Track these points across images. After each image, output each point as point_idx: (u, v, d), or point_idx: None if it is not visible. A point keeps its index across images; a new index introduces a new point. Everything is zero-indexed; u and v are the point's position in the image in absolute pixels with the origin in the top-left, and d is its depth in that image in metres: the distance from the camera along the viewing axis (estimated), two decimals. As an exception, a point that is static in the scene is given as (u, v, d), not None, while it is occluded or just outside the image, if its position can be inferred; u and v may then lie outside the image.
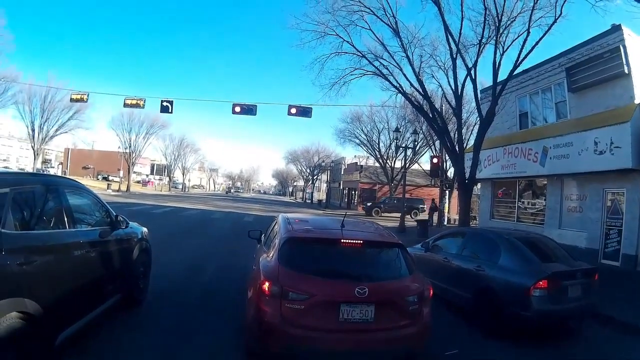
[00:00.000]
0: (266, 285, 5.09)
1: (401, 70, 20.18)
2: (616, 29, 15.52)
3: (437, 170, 28.17)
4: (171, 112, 27.03)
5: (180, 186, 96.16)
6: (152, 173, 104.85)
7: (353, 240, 5.69)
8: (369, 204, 47.91)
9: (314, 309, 4.98)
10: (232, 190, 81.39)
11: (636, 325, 8.43)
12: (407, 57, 19.50)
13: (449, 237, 10.82)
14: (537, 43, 16.70)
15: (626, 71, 14.93)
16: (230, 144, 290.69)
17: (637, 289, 11.66)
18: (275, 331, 4.93)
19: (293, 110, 25.48)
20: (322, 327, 4.95)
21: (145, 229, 8.24)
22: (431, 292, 5.70)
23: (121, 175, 64.79)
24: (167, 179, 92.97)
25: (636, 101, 14.61)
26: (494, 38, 17.52)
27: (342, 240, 5.63)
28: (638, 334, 8.23)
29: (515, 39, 17.38)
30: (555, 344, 7.62)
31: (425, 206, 42.99)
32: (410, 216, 41.21)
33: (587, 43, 16.74)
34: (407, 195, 36.03)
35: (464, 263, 9.03)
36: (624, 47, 14.95)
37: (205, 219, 26.61)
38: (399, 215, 32.88)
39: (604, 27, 16.22)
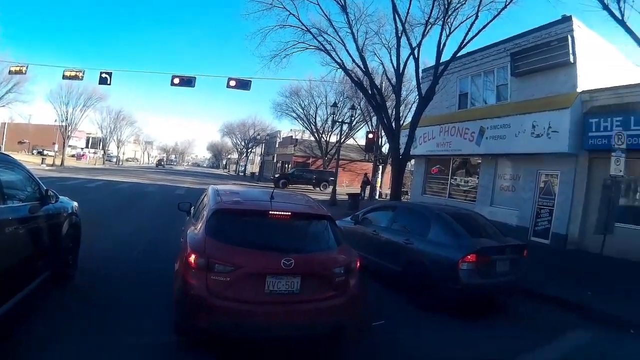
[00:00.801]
0: (192, 258, 4.91)
1: (344, 46, 19.82)
2: (567, 19, 15.80)
3: (372, 145, 28.26)
4: (109, 84, 26.00)
5: (115, 159, 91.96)
6: (87, 146, 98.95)
7: (281, 212, 5.54)
8: (276, 176, 46.83)
9: (240, 281, 4.82)
10: (162, 163, 75.93)
11: (560, 298, 8.77)
12: (352, 33, 19.12)
13: (379, 210, 10.78)
14: (484, 27, 16.66)
15: (572, 60, 15.27)
16: (168, 117, 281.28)
17: (564, 265, 12.01)
18: (202, 304, 4.73)
19: (232, 83, 24.72)
20: (248, 300, 4.82)
21: (75, 204, 7.78)
22: (359, 264, 5.62)
23: (56, 149, 60.93)
24: (102, 152, 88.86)
25: (578, 90, 14.99)
26: (442, 19, 17.32)
27: (271, 212, 5.48)
28: (563, 306, 8.54)
29: (464, 22, 17.28)
30: (484, 316, 7.75)
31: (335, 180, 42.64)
32: (320, 188, 41.00)
33: (535, 30, 16.98)
34: (334, 169, 35.79)
35: (394, 236, 8.97)
36: (572, 37, 15.26)
37: (137, 192, 25.96)
38: (309, 187, 33.07)
39: (553, 17, 16.61)
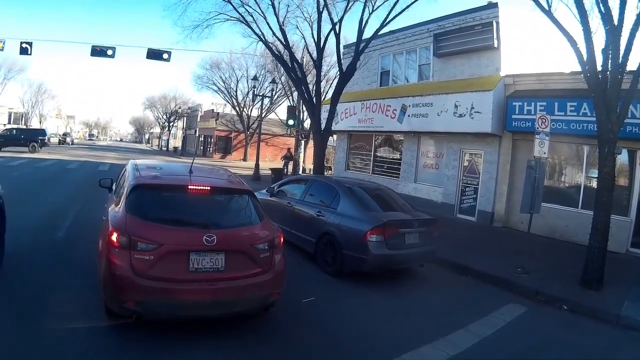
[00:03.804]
0: (114, 236, 4.61)
1: (265, 18, 18.68)
2: (492, 5, 15.46)
3: (293, 115, 27.36)
4: (30, 54, 23.52)
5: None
6: (9, 122, 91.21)
7: (201, 186, 5.33)
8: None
9: (163, 259, 4.56)
10: (68, 139, 67.12)
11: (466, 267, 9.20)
12: (273, 5, 17.97)
13: (293, 183, 10.78)
14: (407, 7, 15.99)
15: (495, 45, 14.98)
16: (90, 91, 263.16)
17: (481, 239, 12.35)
18: (127, 285, 4.45)
19: (152, 54, 23.08)
20: (173, 278, 4.57)
21: None
22: (282, 239, 5.51)
23: None
24: (24, 127, 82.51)
25: (501, 73, 14.81)
26: (365, -4, 16.42)
27: (190, 187, 5.23)
28: (471, 275, 8.95)
29: (387, 0, 16.49)
30: (399, 283, 8.07)
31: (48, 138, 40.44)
32: (29, 149, 36.49)
33: (459, 14, 16.46)
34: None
35: (306, 209, 9.04)
36: (497, 23, 14.92)
37: (60, 170, 24.65)
38: (23, 149, 31.51)
39: (479, 2, 16.23)
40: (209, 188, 5.44)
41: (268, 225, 5.52)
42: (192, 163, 6.03)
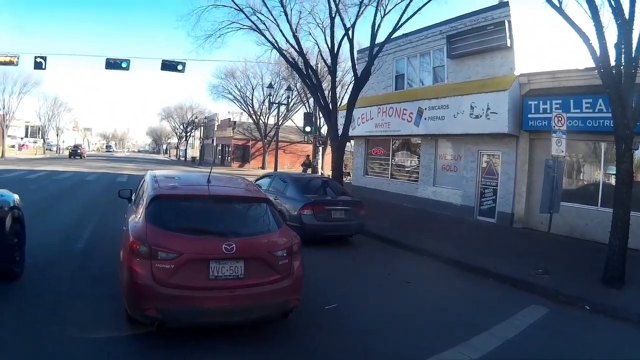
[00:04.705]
0: (135, 246, 4.77)
1: (278, 26, 18.91)
2: (504, 4, 15.51)
3: (310, 122, 27.49)
4: (44, 68, 24.30)
5: (55, 148, 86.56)
6: (26, 136, 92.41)
7: (219, 195, 5.67)
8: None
9: (184, 267, 4.72)
10: (79, 151, 64.80)
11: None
12: (286, 13, 18.20)
13: (264, 178, 13.49)
14: (419, 9, 16.05)
15: (508, 44, 15.01)
16: (106, 103, 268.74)
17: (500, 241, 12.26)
18: (149, 293, 4.60)
19: (166, 66, 23.75)
20: (194, 286, 4.73)
21: (16, 196, 7.11)
22: (300, 245, 5.60)
23: None
24: (42, 141, 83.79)
25: (515, 73, 14.80)
26: (376, 0, 16.59)
27: (209, 196, 5.54)
28: (492, 277, 8.95)
29: (398, 3, 16.58)
30: (341, 246, 11.08)
31: None
32: None
33: (471, 14, 16.55)
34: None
35: (269, 195, 9.94)
36: (509, 22, 14.96)
37: (79, 182, 24.95)
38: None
39: (491, 1, 16.30)
40: (227, 197, 5.71)
41: (286, 232, 5.63)
42: (210, 173, 6.21)
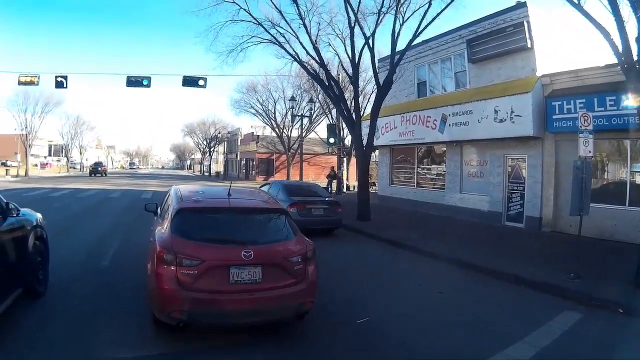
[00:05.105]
0: (162, 255, 5.26)
1: (298, 38, 19.15)
2: (521, 5, 15.62)
3: (334, 133, 27.67)
4: (66, 87, 24.96)
5: (79, 166, 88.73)
6: (49, 154, 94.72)
7: (238, 207, 6.26)
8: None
9: (206, 273, 5.17)
10: (101, 169, 65.26)
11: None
12: (304, 25, 18.44)
13: (265, 185, 16.06)
14: (438, 14, 16.11)
15: (529, 45, 15.08)
16: (128, 120, 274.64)
17: (530, 246, 11.88)
18: (175, 297, 5.07)
19: (188, 81, 24.34)
20: (215, 290, 5.18)
21: (39, 215, 7.32)
22: (314, 251, 6.01)
23: (19, 159, 58.00)
24: (65, 159, 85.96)
25: (537, 74, 14.83)
26: (394, 8, 16.79)
27: (229, 208, 6.17)
28: (523, 284, 8.84)
29: (417, 10, 16.77)
30: (326, 237, 13.47)
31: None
32: None
33: (490, 17, 16.72)
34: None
35: None
36: (528, 22, 15.05)
37: (103, 199, 25.30)
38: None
39: (509, 2, 16.34)
40: (245, 209, 6.33)
41: (301, 240, 6.07)
42: (230, 186, 6.76)
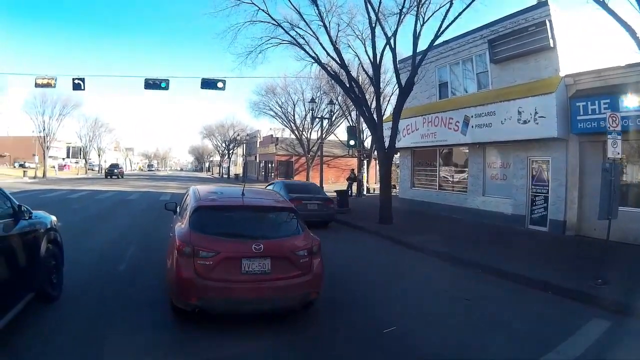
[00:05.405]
0: (181, 247, 5.87)
1: (317, 39, 19.25)
2: (543, 4, 15.53)
3: (354, 135, 27.69)
4: (83, 89, 25.35)
5: (97, 168, 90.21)
6: (68, 156, 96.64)
7: (251, 206, 6.90)
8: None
9: (220, 264, 5.76)
10: (117, 171, 64.74)
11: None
12: (324, 25, 18.45)
13: (269, 185, 18.64)
14: (460, 14, 16.10)
15: (551, 45, 15.01)
16: (147, 122, 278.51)
17: (554, 251, 11.84)
18: (191, 285, 5.65)
19: (206, 84, 24.69)
20: (229, 279, 5.76)
21: (53, 218, 7.39)
22: (319, 246, 6.60)
23: (37, 161, 59.03)
24: (83, 161, 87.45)
25: (561, 74, 14.73)
26: (415, 8, 16.79)
27: (242, 206, 6.80)
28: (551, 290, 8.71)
29: (437, 10, 16.78)
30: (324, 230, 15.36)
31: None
32: None
33: (511, 16, 16.65)
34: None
35: None
36: (550, 21, 14.99)
37: (121, 201, 25.58)
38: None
39: (529, 2, 16.37)
40: (257, 207, 7.01)
41: (308, 236, 6.67)
42: (244, 187, 7.51)
